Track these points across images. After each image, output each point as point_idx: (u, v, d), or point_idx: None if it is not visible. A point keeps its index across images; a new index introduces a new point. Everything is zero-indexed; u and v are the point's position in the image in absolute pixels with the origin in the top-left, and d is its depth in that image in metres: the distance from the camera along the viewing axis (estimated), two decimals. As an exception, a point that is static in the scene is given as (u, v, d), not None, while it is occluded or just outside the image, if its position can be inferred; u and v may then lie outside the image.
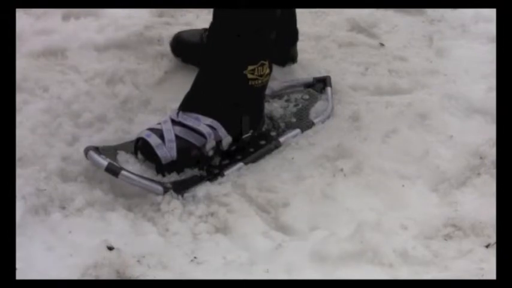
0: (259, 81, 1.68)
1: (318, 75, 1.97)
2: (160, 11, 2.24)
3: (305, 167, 1.69)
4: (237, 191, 1.63)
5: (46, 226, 1.50)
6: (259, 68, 1.67)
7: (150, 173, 1.62)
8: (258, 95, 1.72)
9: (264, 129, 1.78)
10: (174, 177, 1.63)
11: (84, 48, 2.06)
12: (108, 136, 1.74)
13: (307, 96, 1.92)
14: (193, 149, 1.64)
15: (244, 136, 1.71)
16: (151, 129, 1.65)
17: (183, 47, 1.99)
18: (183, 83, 1.81)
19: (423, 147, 1.75)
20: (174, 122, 1.66)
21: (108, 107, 1.84)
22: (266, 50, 1.68)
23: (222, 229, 1.54)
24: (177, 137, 1.63)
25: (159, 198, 1.58)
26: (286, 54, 2.00)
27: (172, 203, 1.58)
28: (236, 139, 1.70)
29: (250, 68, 1.65)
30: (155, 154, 1.62)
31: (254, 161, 1.71)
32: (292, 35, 2.00)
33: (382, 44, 2.18)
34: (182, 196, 1.60)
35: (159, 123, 1.67)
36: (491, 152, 1.72)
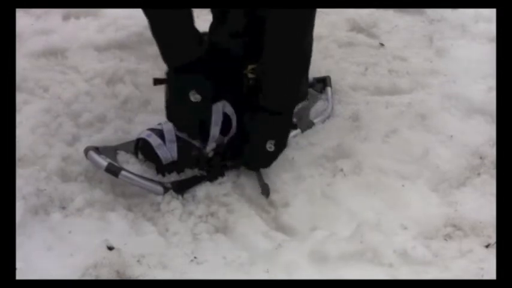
0: (257, 81, 1.67)
1: (318, 75, 1.97)
2: (160, 11, 2.23)
3: (305, 167, 1.69)
4: (237, 191, 1.63)
5: (46, 226, 1.50)
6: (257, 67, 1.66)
7: (150, 173, 1.63)
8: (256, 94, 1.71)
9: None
10: (174, 177, 1.63)
11: (84, 48, 2.06)
12: (108, 136, 1.74)
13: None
14: (194, 150, 1.64)
15: None
16: (152, 130, 1.65)
17: None
18: (183, 83, 1.81)
19: (423, 147, 1.75)
20: (174, 123, 1.66)
21: (108, 107, 1.84)
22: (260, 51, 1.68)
23: (222, 229, 1.55)
24: (177, 137, 1.63)
25: (159, 198, 1.59)
26: None
27: (172, 203, 1.58)
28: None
29: (250, 67, 1.65)
30: (156, 154, 1.62)
31: (254, 161, 1.71)
32: None
33: (382, 44, 2.18)
34: (182, 196, 1.60)
35: (160, 124, 1.66)
36: (491, 152, 1.72)
